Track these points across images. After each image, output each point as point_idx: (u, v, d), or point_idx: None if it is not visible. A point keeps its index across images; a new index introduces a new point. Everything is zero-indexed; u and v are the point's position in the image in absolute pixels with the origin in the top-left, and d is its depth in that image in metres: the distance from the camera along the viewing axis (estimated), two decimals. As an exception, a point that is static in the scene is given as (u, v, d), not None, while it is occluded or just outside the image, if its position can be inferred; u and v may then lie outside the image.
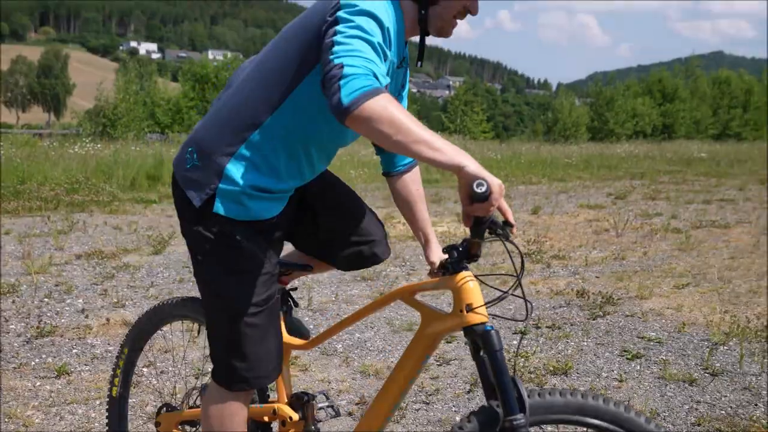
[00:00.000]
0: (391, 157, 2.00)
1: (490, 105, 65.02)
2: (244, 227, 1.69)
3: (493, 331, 1.50)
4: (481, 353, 1.51)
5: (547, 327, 4.29)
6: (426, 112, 40.59)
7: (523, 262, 1.52)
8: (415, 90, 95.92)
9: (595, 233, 7.97)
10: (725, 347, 3.86)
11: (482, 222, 1.44)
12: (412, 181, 2.04)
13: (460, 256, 1.57)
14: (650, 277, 5.66)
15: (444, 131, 28.91)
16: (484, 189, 1.33)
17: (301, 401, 1.92)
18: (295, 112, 1.64)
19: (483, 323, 1.51)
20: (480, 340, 1.51)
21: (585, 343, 3.99)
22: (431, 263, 2.00)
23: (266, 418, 1.96)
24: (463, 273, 1.56)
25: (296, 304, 2.08)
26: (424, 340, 1.67)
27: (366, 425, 1.76)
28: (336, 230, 1.97)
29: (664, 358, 3.73)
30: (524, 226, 8.47)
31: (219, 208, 1.67)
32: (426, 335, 1.66)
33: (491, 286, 1.68)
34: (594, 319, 4.45)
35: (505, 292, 1.57)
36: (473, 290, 1.55)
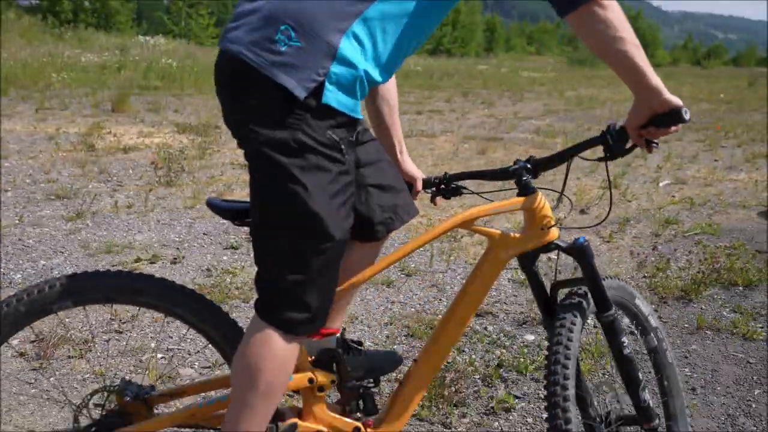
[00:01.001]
0: None
1: (220, 9, 61.79)
2: (349, 127, 1.37)
3: (586, 242, 1.60)
4: (535, 267, 1.62)
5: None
6: (147, 12, 37.02)
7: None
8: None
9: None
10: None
11: (652, 143, 1.44)
12: (393, 84, 1.73)
13: (529, 175, 1.59)
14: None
15: (168, 35, 26.72)
16: (689, 116, 1.35)
17: (333, 359, 1.58)
18: None
19: (561, 238, 1.62)
20: (575, 252, 1.59)
21: (296, 253, 4.02)
22: (408, 174, 1.78)
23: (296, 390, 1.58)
24: (538, 193, 1.59)
25: (360, 344, 1.66)
26: (498, 264, 1.61)
27: (429, 366, 1.63)
28: (376, 169, 1.60)
29: (367, 262, 3.91)
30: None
31: (330, 98, 1.31)
32: (501, 258, 1.61)
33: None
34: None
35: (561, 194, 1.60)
36: (548, 208, 1.59)
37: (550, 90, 18.09)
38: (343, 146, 1.35)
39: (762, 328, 3.12)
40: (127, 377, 1.78)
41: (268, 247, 1.40)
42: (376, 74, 1.37)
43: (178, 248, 4.01)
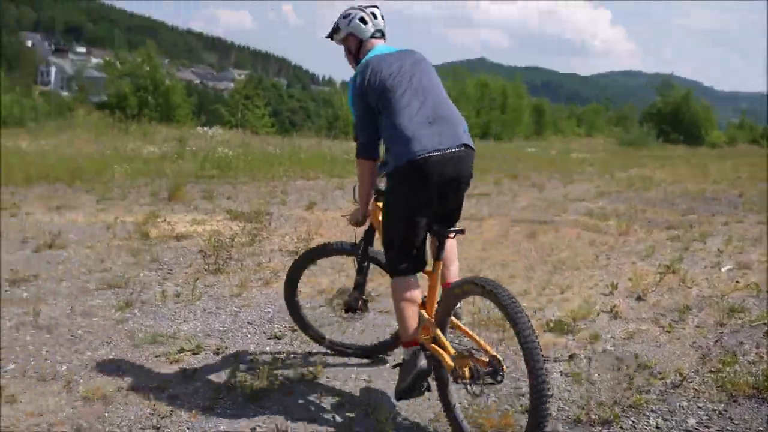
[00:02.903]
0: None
1: (276, 100, 64.52)
2: None
3: None
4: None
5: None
6: (208, 104, 39.02)
7: None
8: (197, 81, 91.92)
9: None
10: (468, 339, 4.03)
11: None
12: None
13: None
14: (410, 271, 5.82)
15: (225, 125, 27.95)
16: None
17: None
18: None
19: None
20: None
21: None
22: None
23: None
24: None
25: None
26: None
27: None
28: None
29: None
30: (297, 222, 8.36)
31: None
32: None
33: None
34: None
35: None
36: None
37: (601, 171, 17.89)
38: None
39: None
40: None
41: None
42: None
43: (221, 338, 3.98)
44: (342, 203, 10.32)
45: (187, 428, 2.81)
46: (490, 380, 2.52)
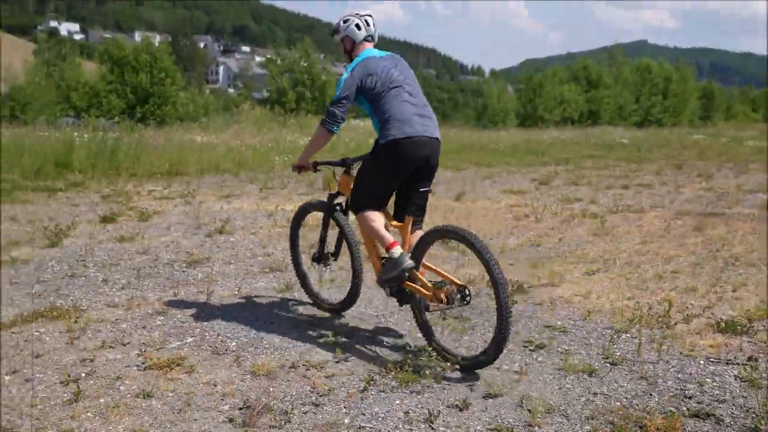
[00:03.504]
0: None
1: (425, 91, 65.14)
2: None
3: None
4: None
5: (453, 318, 4.18)
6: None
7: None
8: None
9: (515, 219, 7.95)
10: (627, 335, 3.83)
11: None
12: None
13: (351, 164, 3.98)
14: (563, 264, 5.64)
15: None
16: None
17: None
18: None
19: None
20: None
21: (490, 334, 3.89)
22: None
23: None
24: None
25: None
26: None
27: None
28: None
29: (566, 348, 3.67)
30: (446, 212, 8.38)
31: None
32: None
33: None
34: (502, 309, 4.37)
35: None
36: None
37: (781, 159, 16.15)
38: None
39: None
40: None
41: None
42: None
43: (375, 323, 4.10)
44: (492, 193, 10.22)
45: (344, 407, 2.93)
46: (461, 302, 3.26)
